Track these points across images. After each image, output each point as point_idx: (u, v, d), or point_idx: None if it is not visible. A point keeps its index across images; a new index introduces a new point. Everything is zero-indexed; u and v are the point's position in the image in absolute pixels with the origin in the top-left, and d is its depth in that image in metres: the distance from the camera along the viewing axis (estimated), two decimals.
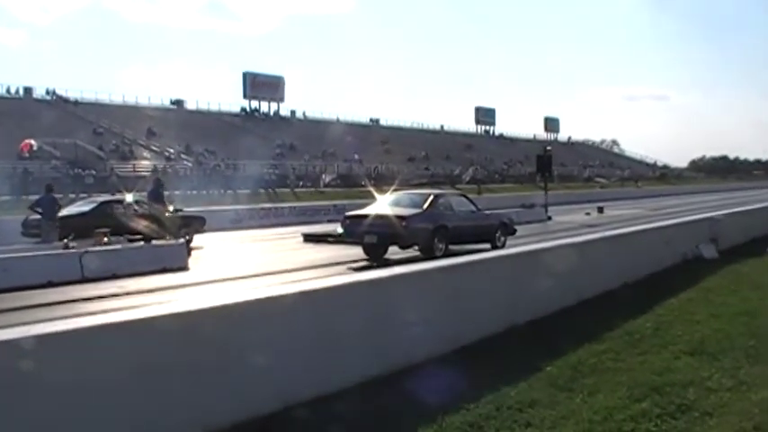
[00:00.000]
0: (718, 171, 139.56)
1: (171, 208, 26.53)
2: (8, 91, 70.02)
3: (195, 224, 25.89)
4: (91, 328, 5.49)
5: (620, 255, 14.07)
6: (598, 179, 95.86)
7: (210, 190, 47.70)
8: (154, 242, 19.78)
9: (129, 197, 24.64)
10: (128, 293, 14.74)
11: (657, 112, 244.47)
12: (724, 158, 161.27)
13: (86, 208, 23.84)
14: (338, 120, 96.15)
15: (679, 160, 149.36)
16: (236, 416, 5.95)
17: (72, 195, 35.88)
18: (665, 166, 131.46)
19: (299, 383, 6.59)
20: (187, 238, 23.86)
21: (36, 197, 22.64)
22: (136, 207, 23.39)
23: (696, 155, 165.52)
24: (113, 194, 28.47)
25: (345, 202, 38.88)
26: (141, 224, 21.79)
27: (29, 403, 4.86)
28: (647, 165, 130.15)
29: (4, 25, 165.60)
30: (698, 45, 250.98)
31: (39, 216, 21.62)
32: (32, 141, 47.40)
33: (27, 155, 46.91)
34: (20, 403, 4.82)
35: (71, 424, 5.09)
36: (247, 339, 6.37)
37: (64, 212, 23.14)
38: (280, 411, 6.23)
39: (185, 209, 28.68)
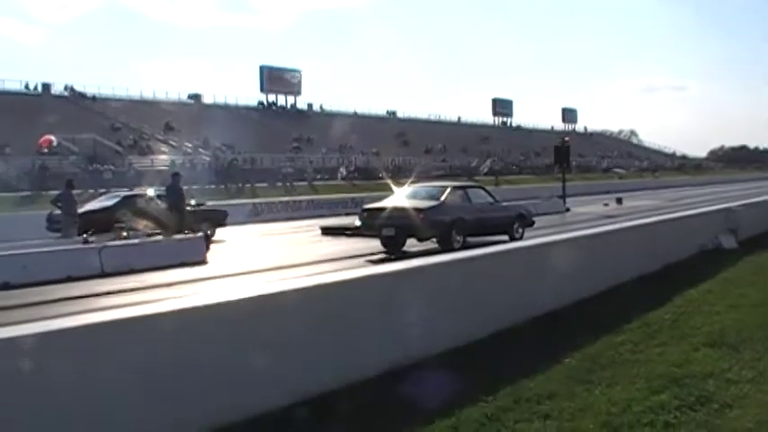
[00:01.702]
0: (738, 161, 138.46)
1: (193, 202, 26.73)
2: (27, 87, 70.30)
3: (217, 218, 26.13)
4: (96, 324, 5.53)
5: (639, 246, 14.00)
6: (616, 170, 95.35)
7: (228, 184, 47.78)
8: (172, 236, 19.84)
9: (150, 191, 24.77)
10: (146, 287, 14.80)
11: (676, 102, 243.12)
12: (743, 148, 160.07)
13: (109, 203, 24.02)
14: (355, 113, 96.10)
15: (697, 150, 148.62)
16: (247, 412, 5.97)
17: (90, 191, 36.09)
18: (684, 157, 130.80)
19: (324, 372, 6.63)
20: (209, 232, 24.15)
21: (55, 192, 22.77)
22: (157, 201, 23.47)
23: (715, 145, 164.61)
24: (131, 189, 28.62)
25: (363, 194, 38.92)
26: (162, 219, 21.88)
27: (35, 400, 4.88)
28: (666, 155, 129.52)
29: (24, 23, 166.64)
30: (717, 34, 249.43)
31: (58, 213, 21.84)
32: (52, 137, 47.60)
33: (46, 150, 47.12)
34: (25, 400, 4.84)
35: (78, 421, 5.11)
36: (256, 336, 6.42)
37: (87, 207, 23.39)
38: (292, 406, 6.24)
39: (207, 202, 28.92)
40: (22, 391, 4.82)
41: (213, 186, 45.56)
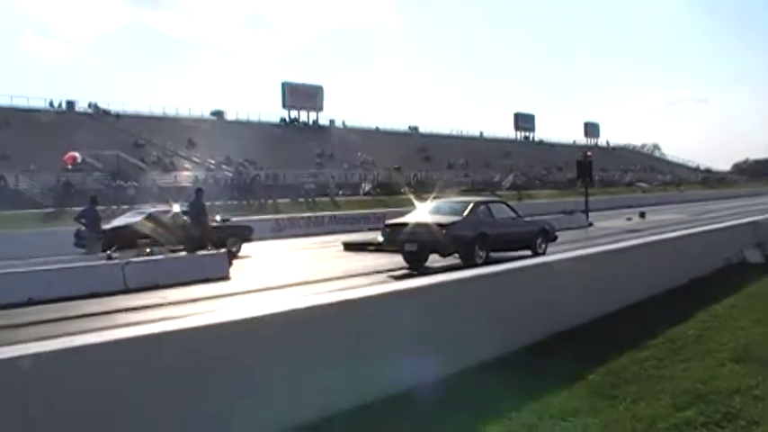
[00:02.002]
0: (762, 174, 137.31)
1: (218, 218, 27.00)
2: (51, 104, 70.95)
3: (243, 233, 26.38)
4: (116, 340, 5.55)
5: (663, 260, 13.93)
6: (639, 184, 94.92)
7: (250, 200, 47.95)
8: (196, 252, 19.91)
9: (176, 207, 24.94)
10: (170, 303, 14.86)
11: (699, 115, 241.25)
12: None
13: (135, 219, 24.21)
14: (377, 128, 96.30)
15: (721, 163, 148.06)
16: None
17: (114, 207, 36.33)
18: (708, 170, 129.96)
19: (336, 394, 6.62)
20: (235, 247, 24.37)
21: (79, 209, 22.92)
22: (183, 217, 23.58)
23: (739, 158, 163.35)
24: (153, 206, 28.82)
25: (385, 210, 38.93)
26: (187, 234, 21.97)
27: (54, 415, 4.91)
28: (689, 169, 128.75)
29: (48, 40, 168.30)
30: (739, 47, 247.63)
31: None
32: (76, 153, 47.93)
33: (71, 167, 47.45)
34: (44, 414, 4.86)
35: None
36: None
37: (114, 223, 23.63)
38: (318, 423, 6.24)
39: (232, 218, 29.17)
40: (43, 406, 4.84)
41: (236, 202, 45.74)
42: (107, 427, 5.15)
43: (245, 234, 26.79)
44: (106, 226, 23.73)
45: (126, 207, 34.14)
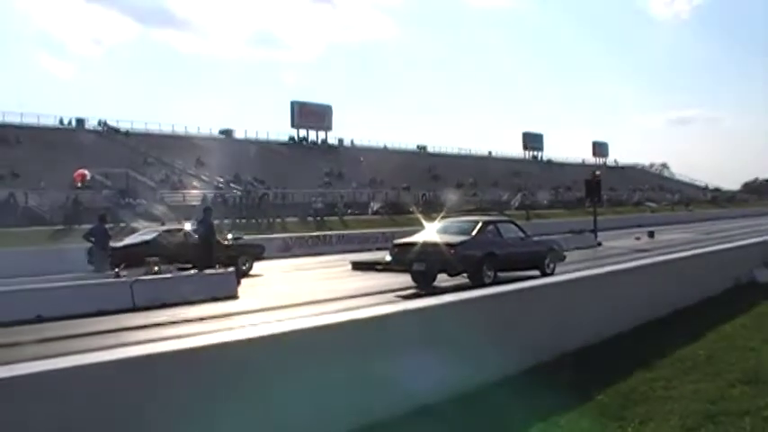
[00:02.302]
0: None
1: (230, 236, 27.18)
2: (61, 122, 71.40)
3: (254, 252, 26.52)
4: (147, 356, 5.56)
5: (672, 280, 13.89)
6: (648, 203, 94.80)
7: (259, 218, 48.01)
8: (204, 271, 19.92)
9: (187, 226, 25.06)
10: (177, 322, 14.86)
11: (709, 134, 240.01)
12: None
13: (148, 237, 24.35)
14: (385, 147, 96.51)
15: (730, 183, 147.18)
16: None
17: (122, 224, 36.47)
18: (717, 189, 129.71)
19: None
20: (246, 265, 24.87)
21: (88, 226, 22.99)
22: (194, 236, 23.66)
23: (748, 177, 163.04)
24: (163, 224, 28.98)
25: (394, 229, 38.92)
26: (199, 253, 21.99)
27: None
28: (698, 188, 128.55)
29: (57, 57, 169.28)
30: (752, 67, 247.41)
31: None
32: (86, 171, 48.18)
33: (80, 184, 47.65)
34: None
35: None
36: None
37: (126, 241, 23.79)
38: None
39: (244, 236, 29.34)
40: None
41: (244, 221, 45.83)
42: None
43: (257, 252, 26.95)
44: (119, 243, 23.94)
45: (124, 225, 34.48)
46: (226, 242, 25.99)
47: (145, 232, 26.16)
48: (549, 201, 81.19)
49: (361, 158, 77.10)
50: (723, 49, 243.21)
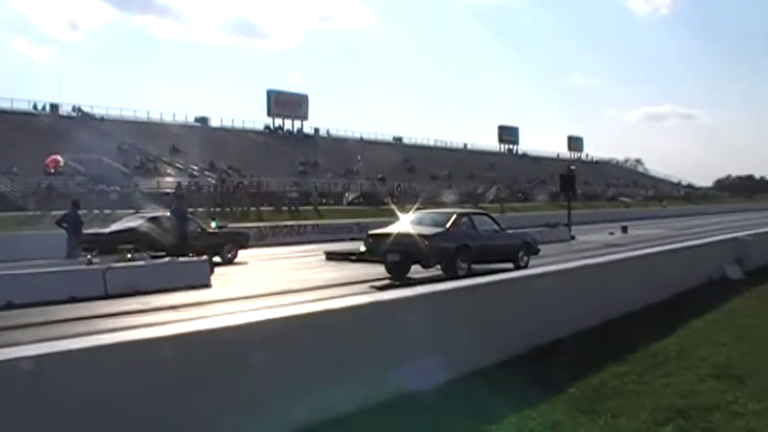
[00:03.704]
0: (744, 190, 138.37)
1: (213, 224, 27.24)
2: (35, 107, 70.75)
3: (239, 240, 26.64)
4: (109, 345, 5.50)
5: (644, 275, 13.95)
6: (622, 198, 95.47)
7: (233, 207, 47.84)
8: (178, 259, 19.80)
9: (167, 214, 25.03)
10: (150, 310, 14.77)
11: (684, 130, 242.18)
12: (749, 178, 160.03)
13: (134, 223, 24.24)
14: (361, 138, 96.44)
15: (704, 179, 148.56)
16: None
17: (96, 211, 36.22)
18: (690, 186, 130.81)
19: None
20: (231, 253, 25.42)
21: (61, 212, 22.79)
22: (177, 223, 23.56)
23: (721, 174, 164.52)
24: (137, 211, 28.85)
25: (368, 220, 38.91)
26: (172, 241, 21.85)
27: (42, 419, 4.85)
28: (672, 184, 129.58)
29: (33, 41, 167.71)
30: (727, 63, 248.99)
31: (89, 232, 22.20)
32: (59, 157, 47.78)
33: (53, 170, 47.26)
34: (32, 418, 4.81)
35: None
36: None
37: (113, 227, 23.76)
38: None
39: (228, 225, 29.42)
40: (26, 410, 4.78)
41: (218, 209, 45.64)
42: None
43: (242, 240, 27.11)
44: (105, 229, 24.08)
45: (108, 212, 34.16)
46: (210, 230, 26.01)
47: (129, 219, 26.11)
48: (524, 194, 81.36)
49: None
50: (700, 45, 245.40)
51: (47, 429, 4.89)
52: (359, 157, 75.44)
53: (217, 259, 24.23)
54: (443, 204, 48.56)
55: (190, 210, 25.56)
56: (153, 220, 24.10)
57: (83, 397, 5.03)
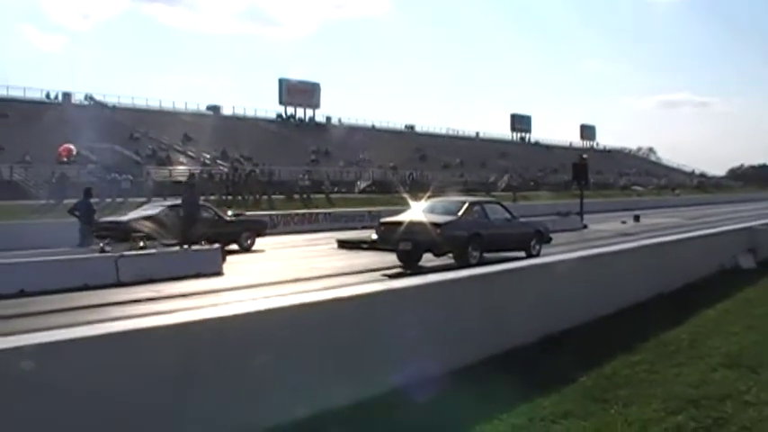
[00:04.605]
0: (758, 180, 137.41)
1: (230, 212, 27.34)
2: (47, 96, 70.82)
3: (257, 228, 26.71)
4: (121, 332, 5.51)
5: (657, 264, 13.89)
6: (634, 187, 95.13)
7: (246, 195, 47.84)
8: (189, 247, 19.81)
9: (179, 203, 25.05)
10: (162, 297, 14.82)
11: (697, 119, 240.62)
12: (763, 167, 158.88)
13: (153, 211, 24.30)
14: (373, 126, 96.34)
15: (717, 169, 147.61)
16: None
17: (108, 200, 36.31)
18: (703, 175, 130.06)
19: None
20: (249, 241, 25.56)
21: (74, 201, 22.81)
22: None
23: (735, 163, 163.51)
24: (149, 199, 28.92)
25: (380, 208, 38.89)
26: (183, 229, 21.85)
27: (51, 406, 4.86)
28: (685, 173, 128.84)
29: (45, 30, 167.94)
30: (743, 51, 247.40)
31: (107, 219, 22.21)
32: (71, 146, 47.80)
33: (66, 159, 47.30)
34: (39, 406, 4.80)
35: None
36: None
37: (131, 215, 23.80)
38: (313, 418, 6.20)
39: (245, 213, 29.51)
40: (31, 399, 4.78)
41: (230, 197, 45.66)
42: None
43: (259, 228, 27.20)
44: (123, 217, 24.21)
45: (120, 200, 34.21)
46: (227, 218, 26.08)
47: (149, 207, 26.24)
48: (536, 182, 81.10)
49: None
50: (715, 32, 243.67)
51: (46, 418, 4.86)
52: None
53: (234, 247, 24.42)
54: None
55: (202, 198, 25.54)
56: (173, 207, 24.12)
57: (84, 387, 5.04)
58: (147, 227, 21.53)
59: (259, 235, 26.68)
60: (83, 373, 5.05)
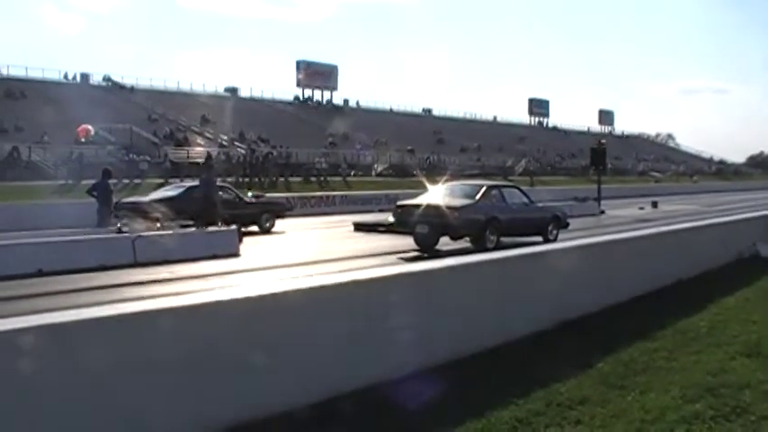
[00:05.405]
0: None
1: (250, 194, 27.38)
2: (66, 77, 71.11)
3: (276, 209, 26.83)
4: (134, 313, 5.52)
5: (674, 251, 13.79)
6: (652, 173, 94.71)
7: (262, 177, 47.88)
8: (206, 228, 19.84)
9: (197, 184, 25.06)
10: (178, 279, 14.85)
11: (716, 105, 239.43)
12: None
13: (173, 192, 24.39)
14: (391, 109, 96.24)
15: (736, 155, 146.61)
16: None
17: (126, 181, 36.44)
18: (722, 162, 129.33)
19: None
20: (269, 223, 25.59)
21: (92, 182, 22.85)
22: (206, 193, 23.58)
23: (754, 150, 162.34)
24: (167, 180, 28.95)
25: (397, 191, 38.81)
26: (201, 210, 21.84)
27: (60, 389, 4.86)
28: (703, 159, 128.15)
29: (64, 11, 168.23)
30: (761, 38, 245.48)
31: (129, 200, 22.29)
32: (89, 127, 47.85)
33: (84, 140, 47.39)
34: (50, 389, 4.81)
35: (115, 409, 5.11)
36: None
37: (152, 196, 23.86)
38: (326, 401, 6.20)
39: (265, 195, 29.58)
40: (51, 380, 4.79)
41: (248, 179, 45.71)
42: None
43: (279, 210, 27.41)
44: (144, 198, 24.28)
45: (138, 181, 34.26)
46: (247, 200, 26.14)
47: (170, 188, 26.35)
48: (553, 167, 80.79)
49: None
50: (735, 19, 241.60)
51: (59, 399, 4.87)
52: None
53: (255, 228, 24.45)
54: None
55: (219, 179, 25.56)
56: (192, 189, 24.16)
57: (100, 366, 5.05)
58: (168, 208, 21.53)
59: (279, 216, 26.72)
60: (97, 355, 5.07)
